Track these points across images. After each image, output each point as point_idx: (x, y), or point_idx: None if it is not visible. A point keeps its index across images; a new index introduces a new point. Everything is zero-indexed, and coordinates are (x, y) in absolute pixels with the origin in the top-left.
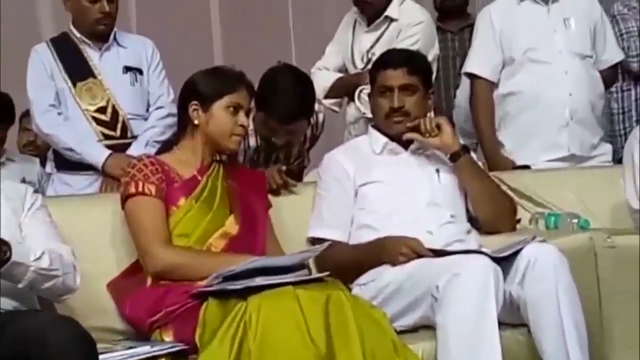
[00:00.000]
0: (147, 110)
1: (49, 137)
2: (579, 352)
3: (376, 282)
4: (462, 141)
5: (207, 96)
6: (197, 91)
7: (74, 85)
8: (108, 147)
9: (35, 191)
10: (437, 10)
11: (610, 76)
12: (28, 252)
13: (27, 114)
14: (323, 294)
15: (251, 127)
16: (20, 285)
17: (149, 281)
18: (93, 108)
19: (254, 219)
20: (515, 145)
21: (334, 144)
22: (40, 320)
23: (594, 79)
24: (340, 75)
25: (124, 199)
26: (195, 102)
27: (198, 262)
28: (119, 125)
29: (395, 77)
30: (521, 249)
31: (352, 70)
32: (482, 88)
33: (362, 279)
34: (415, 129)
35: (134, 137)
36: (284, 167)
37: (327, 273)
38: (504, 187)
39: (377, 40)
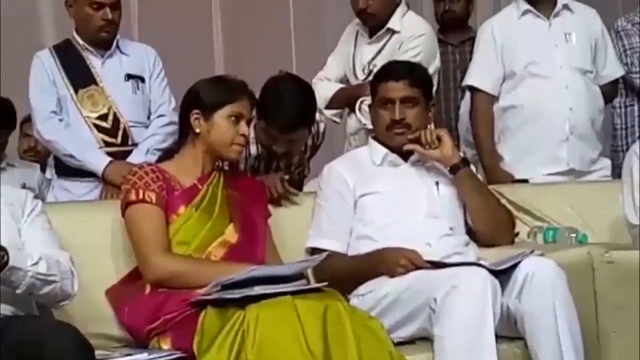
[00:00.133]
0: (149, 118)
1: (50, 143)
2: None
3: (374, 293)
4: (466, 151)
5: (209, 105)
6: (199, 100)
7: (76, 92)
8: (109, 154)
9: (35, 197)
10: (438, 22)
11: (610, 91)
12: (25, 258)
13: (28, 119)
14: (321, 304)
15: (252, 135)
16: (18, 291)
17: (147, 289)
18: (94, 115)
19: (254, 228)
20: (515, 159)
21: (334, 154)
22: (39, 326)
23: (594, 94)
24: (341, 86)
25: (125, 206)
26: (197, 110)
27: (197, 270)
28: (120, 133)
29: (397, 89)
30: (519, 263)
31: (353, 82)
32: (483, 101)
33: (361, 289)
34: (416, 141)
35: (135, 145)
36: (286, 176)
37: (325, 283)
38: (502, 201)
39: (379, 52)
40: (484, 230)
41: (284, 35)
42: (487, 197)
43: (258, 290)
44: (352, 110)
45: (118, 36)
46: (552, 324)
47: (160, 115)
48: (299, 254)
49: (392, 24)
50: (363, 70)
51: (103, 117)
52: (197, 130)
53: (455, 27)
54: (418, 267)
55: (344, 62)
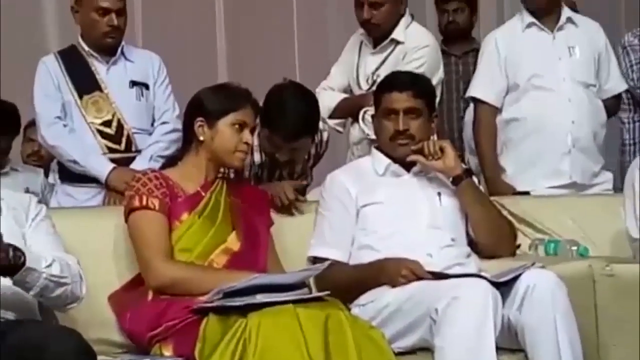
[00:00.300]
0: (152, 125)
1: (54, 148)
2: None
3: (375, 303)
4: (470, 160)
5: (212, 113)
6: (203, 107)
7: (80, 98)
8: (112, 160)
9: (39, 202)
10: (441, 33)
11: (613, 105)
12: (40, 259)
13: (32, 124)
14: (323, 313)
15: (256, 143)
16: (31, 293)
17: (150, 295)
18: (98, 121)
19: (256, 236)
20: (517, 171)
21: (337, 164)
22: (42, 330)
23: (597, 107)
24: (345, 95)
25: (128, 212)
26: (200, 118)
27: (199, 278)
28: (124, 139)
29: (401, 100)
30: (520, 275)
31: (356, 92)
32: (486, 113)
33: (362, 299)
34: (419, 152)
35: (138, 152)
36: (304, 182)
37: (327, 292)
38: (504, 212)
39: (383, 62)
40: (486, 241)
41: (287, 43)
42: (489, 208)
43: (260, 298)
44: (356, 120)
45: (123, 42)
46: (552, 336)
47: (164, 122)
48: (300, 262)
49: (396, 34)
50: (367, 80)
51: (107, 123)
52: (201, 138)
53: (459, 38)
54: (419, 278)
55: (347, 72)
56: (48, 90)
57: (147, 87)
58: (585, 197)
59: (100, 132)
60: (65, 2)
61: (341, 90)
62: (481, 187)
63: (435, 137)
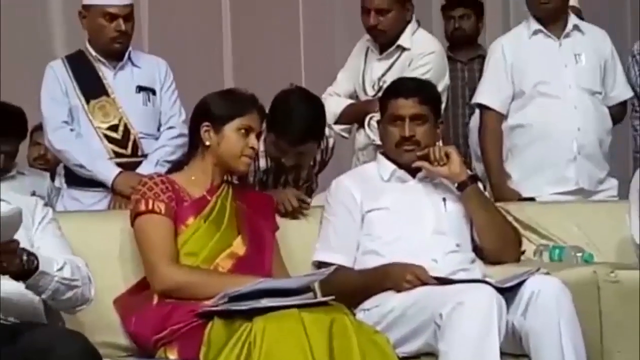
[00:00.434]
0: (159, 129)
1: (61, 153)
2: None
3: (380, 307)
4: (476, 166)
5: (219, 118)
6: (209, 112)
7: (87, 102)
8: (118, 165)
9: (45, 205)
10: (447, 39)
11: (618, 112)
12: (52, 262)
13: (38, 128)
14: (327, 317)
15: (262, 148)
16: (43, 296)
17: (155, 299)
18: (105, 126)
19: (261, 240)
20: (522, 177)
21: (342, 169)
22: (48, 333)
23: (603, 114)
24: (351, 101)
25: (134, 216)
26: (207, 123)
27: (205, 282)
28: (130, 144)
29: (407, 106)
30: (525, 280)
31: (362, 97)
32: (492, 119)
33: (367, 304)
34: (425, 158)
35: (145, 156)
36: (307, 200)
37: (332, 297)
38: (509, 218)
39: (389, 68)
40: (491, 247)
41: (293, 49)
42: (494, 214)
43: (265, 302)
44: (361, 125)
45: (130, 48)
46: (556, 342)
47: (170, 127)
48: (306, 267)
49: (403, 41)
50: (373, 86)
51: (114, 128)
52: (207, 143)
53: (465, 45)
54: (424, 283)
55: (353, 77)
56: (55, 95)
57: (153, 92)
58: (590, 203)
59: (107, 137)
60: (72, 4)
61: (347, 96)
62: (487, 193)
63: (440, 143)
